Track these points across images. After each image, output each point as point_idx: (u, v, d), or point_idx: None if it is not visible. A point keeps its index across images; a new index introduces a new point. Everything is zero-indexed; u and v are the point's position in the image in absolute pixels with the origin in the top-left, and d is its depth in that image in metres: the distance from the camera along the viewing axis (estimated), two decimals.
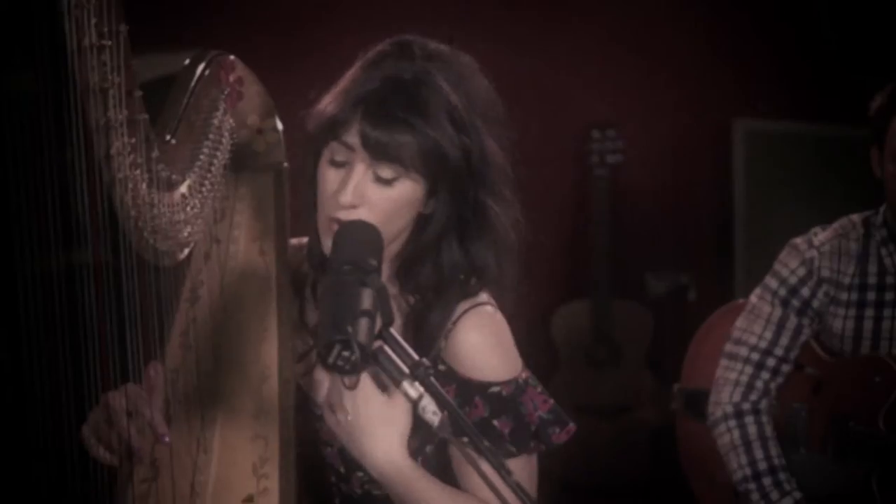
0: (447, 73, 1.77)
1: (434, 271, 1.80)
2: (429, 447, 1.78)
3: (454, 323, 1.78)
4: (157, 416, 1.71)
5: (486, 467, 1.49)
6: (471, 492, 1.73)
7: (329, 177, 1.76)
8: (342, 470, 1.82)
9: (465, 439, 1.55)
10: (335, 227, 1.73)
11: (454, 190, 1.77)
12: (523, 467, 1.76)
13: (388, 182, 1.74)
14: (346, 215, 1.73)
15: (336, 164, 1.76)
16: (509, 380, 1.77)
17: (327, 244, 1.74)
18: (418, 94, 1.73)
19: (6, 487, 1.55)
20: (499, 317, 1.81)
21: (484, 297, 1.81)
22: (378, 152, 1.72)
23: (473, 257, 1.79)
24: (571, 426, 1.79)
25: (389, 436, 1.60)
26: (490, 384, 1.76)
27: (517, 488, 1.43)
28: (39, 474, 1.55)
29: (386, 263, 1.79)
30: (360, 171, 1.74)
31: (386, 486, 1.66)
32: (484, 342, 1.77)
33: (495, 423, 1.76)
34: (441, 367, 1.78)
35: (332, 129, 1.75)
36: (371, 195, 1.74)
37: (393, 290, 1.81)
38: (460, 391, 1.76)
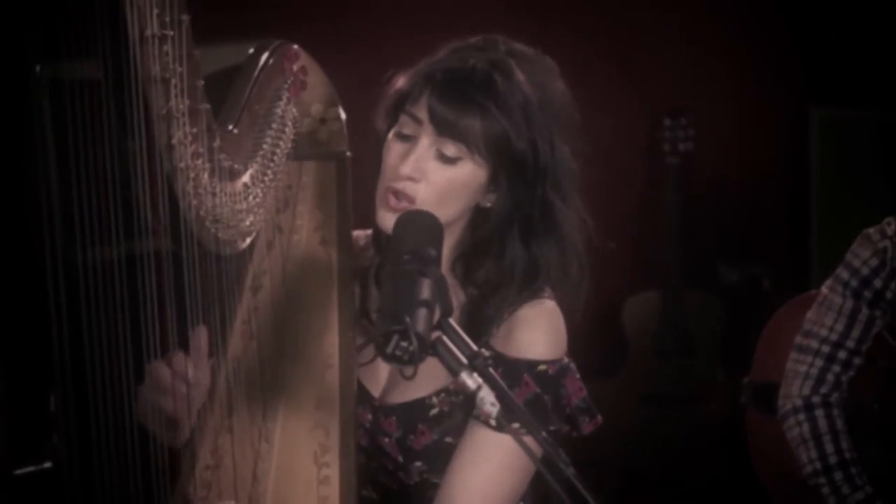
0: (527, 70, 1.78)
1: (496, 268, 1.80)
2: (448, 438, 1.78)
3: (510, 314, 1.79)
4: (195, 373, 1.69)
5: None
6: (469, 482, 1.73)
7: (393, 149, 1.78)
8: (400, 459, 1.82)
9: (517, 425, 1.54)
10: (392, 199, 1.74)
11: (517, 184, 1.77)
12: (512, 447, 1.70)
13: (450, 161, 1.75)
14: (403, 187, 1.74)
15: (402, 138, 1.78)
16: (555, 360, 1.78)
17: (383, 217, 1.75)
18: (493, 81, 1.74)
19: (70, 477, 1.56)
20: (553, 307, 1.80)
21: (546, 294, 1.81)
22: (444, 128, 1.73)
23: (537, 256, 1.79)
24: (599, 418, 1.79)
25: None
26: (538, 362, 1.76)
27: (575, 479, 1.42)
28: (102, 464, 1.56)
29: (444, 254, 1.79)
30: (424, 146, 1.75)
31: None
32: (534, 323, 1.78)
33: (546, 398, 1.76)
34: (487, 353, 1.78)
35: (401, 101, 1.78)
36: (431, 171, 1.75)
37: (451, 281, 1.81)
38: (508, 372, 1.75)
